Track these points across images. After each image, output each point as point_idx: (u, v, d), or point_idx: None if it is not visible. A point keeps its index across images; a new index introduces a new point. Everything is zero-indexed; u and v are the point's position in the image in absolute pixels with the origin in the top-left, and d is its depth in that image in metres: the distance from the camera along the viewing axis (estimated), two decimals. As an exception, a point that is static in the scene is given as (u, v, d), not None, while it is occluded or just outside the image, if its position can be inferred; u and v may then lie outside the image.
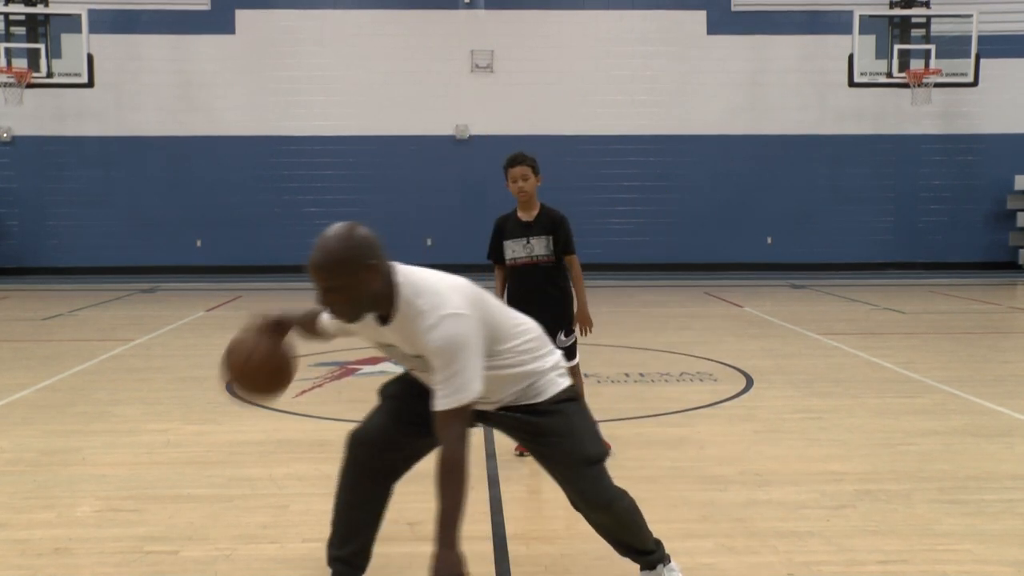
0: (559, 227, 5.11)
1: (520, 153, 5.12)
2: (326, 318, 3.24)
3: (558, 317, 5.08)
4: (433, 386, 2.86)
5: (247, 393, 3.13)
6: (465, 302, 2.88)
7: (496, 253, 5.19)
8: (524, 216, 5.14)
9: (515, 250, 5.12)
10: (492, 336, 2.99)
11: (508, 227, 5.16)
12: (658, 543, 3.36)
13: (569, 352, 5.13)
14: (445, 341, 2.80)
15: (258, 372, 3.06)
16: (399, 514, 3.73)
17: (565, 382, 3.23)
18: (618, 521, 3.25)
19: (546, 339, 3.29)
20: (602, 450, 3.24)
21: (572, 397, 3.23)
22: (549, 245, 5.09)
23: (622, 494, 3.23)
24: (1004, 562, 3.65)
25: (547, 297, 5.06)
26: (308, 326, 3.30)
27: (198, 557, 3.71)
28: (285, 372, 3.12)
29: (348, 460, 3.22)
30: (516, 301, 4.78)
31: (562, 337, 5.10)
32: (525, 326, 3.21)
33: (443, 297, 2.86)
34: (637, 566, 3.36)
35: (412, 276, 2.93)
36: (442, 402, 2.81)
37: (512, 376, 3.10)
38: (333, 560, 3.23)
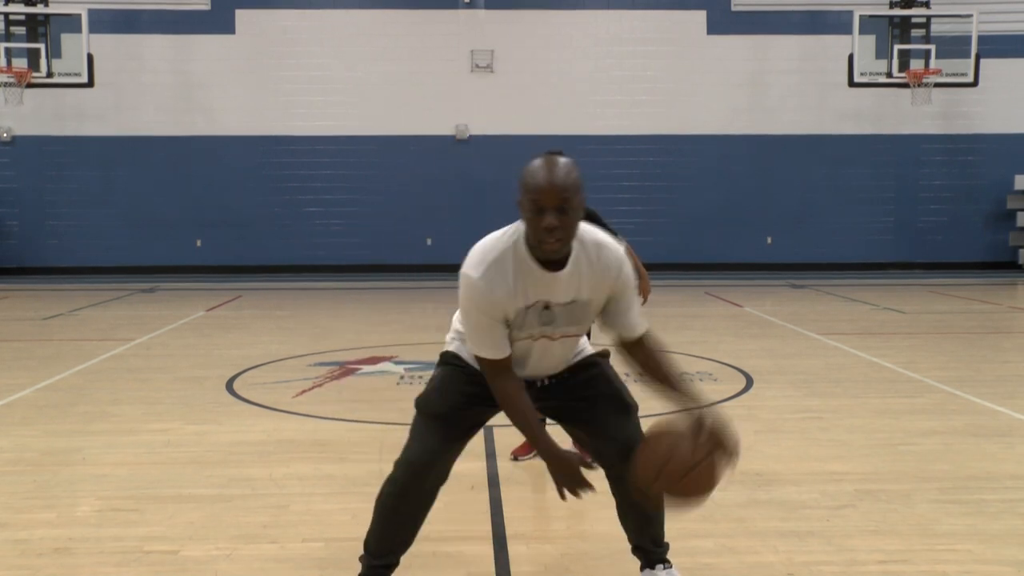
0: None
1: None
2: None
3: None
4: (630, 318, 3.08)
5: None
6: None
7: None
8: None
9: None
10: None
11: None
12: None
13: None
14: (630, 274, 3.04)
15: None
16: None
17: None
18: None
19: None
20: (635, 401, 3.34)
21: (604, 354, 3.42)
22: None
23: None
24: (1004, 562, 3.65)
25: None
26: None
27: (198, 557, 3.71)
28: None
29: (404, 488, 3.08)
30: None
31: None
32: None
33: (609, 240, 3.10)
34: (637, 566, 3.35)
35: None
36: (644, 325, 3.10)
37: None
38: (372, 567, 3.17)
